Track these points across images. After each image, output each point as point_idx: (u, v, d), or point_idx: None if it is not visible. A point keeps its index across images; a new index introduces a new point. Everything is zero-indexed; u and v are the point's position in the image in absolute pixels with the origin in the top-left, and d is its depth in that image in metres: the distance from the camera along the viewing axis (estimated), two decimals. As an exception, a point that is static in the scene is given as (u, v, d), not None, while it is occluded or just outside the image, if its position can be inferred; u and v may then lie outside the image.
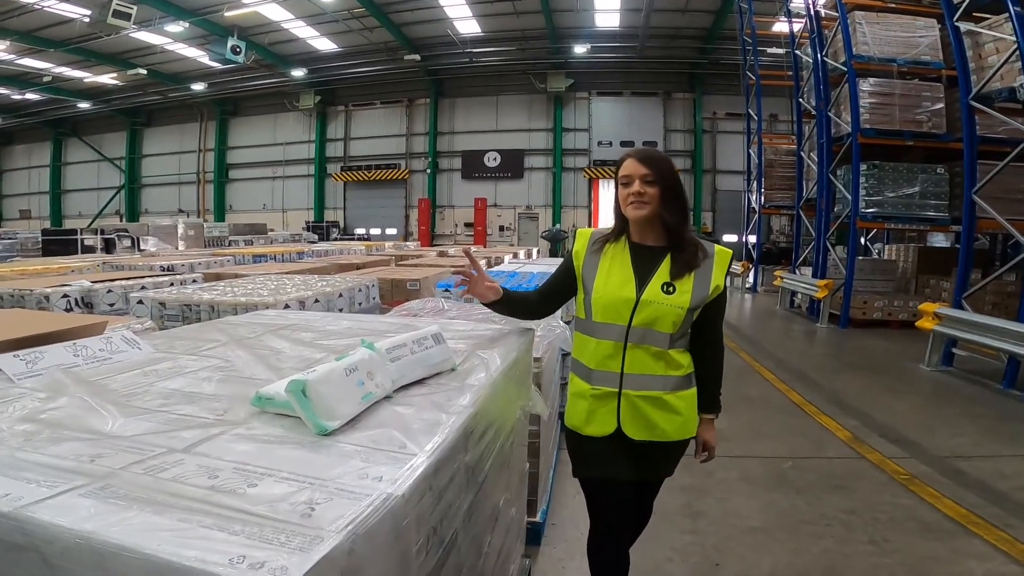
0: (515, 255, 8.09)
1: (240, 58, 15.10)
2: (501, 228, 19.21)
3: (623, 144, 18.33)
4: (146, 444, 0.73)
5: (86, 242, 12.35)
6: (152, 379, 1.06)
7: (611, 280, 1.47)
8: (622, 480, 1.49)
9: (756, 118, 12.63)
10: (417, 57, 17.41)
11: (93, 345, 1.23)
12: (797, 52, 10.38)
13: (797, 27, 10.43)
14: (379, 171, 20.06)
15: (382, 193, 20.23)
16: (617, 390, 1.45)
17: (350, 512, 0.58)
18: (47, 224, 20.57)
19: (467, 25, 16.32)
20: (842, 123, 8.34)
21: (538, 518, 2.35)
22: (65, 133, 23.69)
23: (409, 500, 0.65)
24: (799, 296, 9.65)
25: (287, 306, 2.70)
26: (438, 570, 0.77)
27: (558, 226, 17.63)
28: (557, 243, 15.87)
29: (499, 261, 6.68)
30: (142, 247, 11.99)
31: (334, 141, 20.74)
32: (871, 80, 7.91)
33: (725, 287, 1.48)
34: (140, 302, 3.05)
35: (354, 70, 18.63)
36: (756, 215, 12.84)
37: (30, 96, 19.92)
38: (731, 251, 1.48)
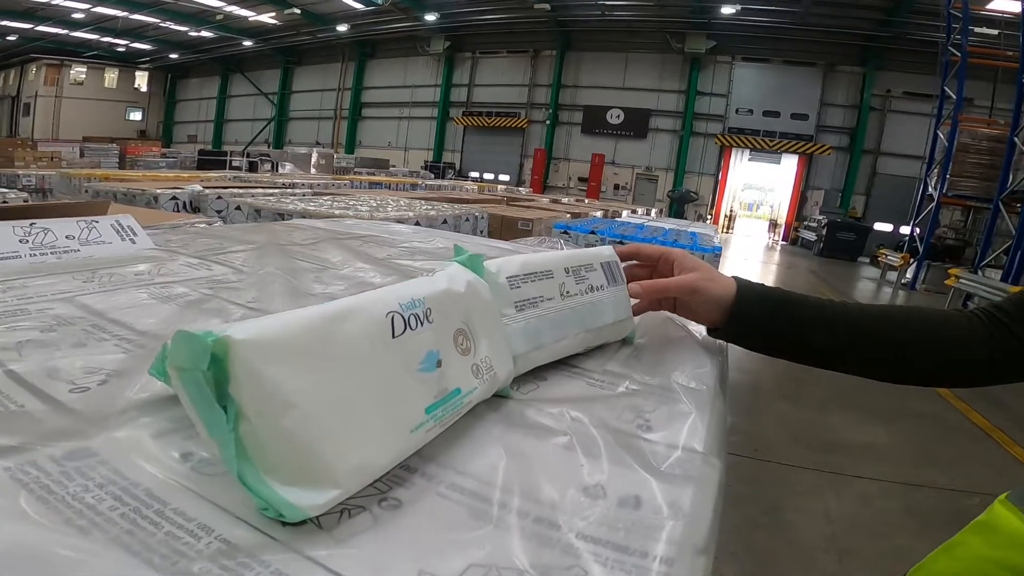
0: (633, 211, 7.28)
1: (380, 0, 15.33)
2: (616, 186, 18.37)
3: (766, 114, 16.73)
4: None
5: (234, 163, 13.93)
6: (88, 287, 0.59)
7: None
8: None
9: (955, 98, 10.94)
10: (547, 7, 16.63)
11: (60, 229, 0.79)
12: None
13: None
14: (499, 118, 20.04)
15: (499, 140, 20.20)
16: None
17: None
18: (209, 148, 23.01)
19: (603, -24, 15.09)
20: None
21: None
22: (231, 69, 26.30)
23: None
24: (975, 301, 8.17)
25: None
26: None
27: (685, 188, 16.36)
28: (683, 205, 14.73)
29: (616, 215, 5.94)
30: (280, 170, 12.93)
31: (458, 87, 21.02)
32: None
33: None
34: (238, 208, 2.82)
35: (484, 17, 18.40)
36: (932, 204, 10.95)
37: (205, 34, 22.00)
38: None
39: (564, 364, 0.47)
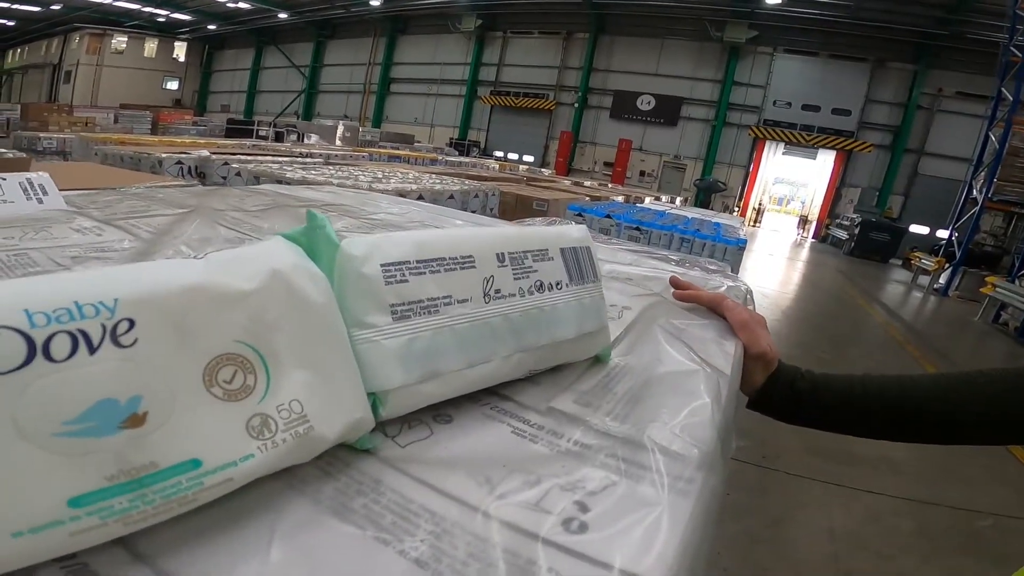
0: (657, 198, 7.03)
1: (414, -26, 15.18)
2: (642, 173, 18.03)
3: (805, 108, 16.12)
4: None
5: (260, 133, 14.26)
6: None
7: None
8: None
9: (1011, 98, 10.38)
10: (583, -13, 16.19)
11: (-42, 182, 0.67)
12: None
13: None
14: (527, 99, 19.74)
15: (526, 120, 19.92)
16: None
17: None
18: (240, 117, 23.34)
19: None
20: None
21: None
22: (265, 41, 26.49)
23: None
24: (1009, 311, 7.79)
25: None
26: None
27: (713, 177, 15.98)
28: (709, 195, 14.40)
29: (639, 200, 5.71)
30: (305, 141, 13.09)
31: (488, 66, 20.75)
32: None
33: None
34: (237, 173, 2.72)
35: (517, -4, 18.12)
36: (975, 208, 10.50)
37: (242, 5, 22.27)
38: None
39: (491, 395, 0.32)
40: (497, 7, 19.04)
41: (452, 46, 21.06)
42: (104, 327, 0.15)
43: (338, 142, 13.90)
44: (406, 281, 0.26)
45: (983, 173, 10.76)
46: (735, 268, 2.67)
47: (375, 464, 0.24)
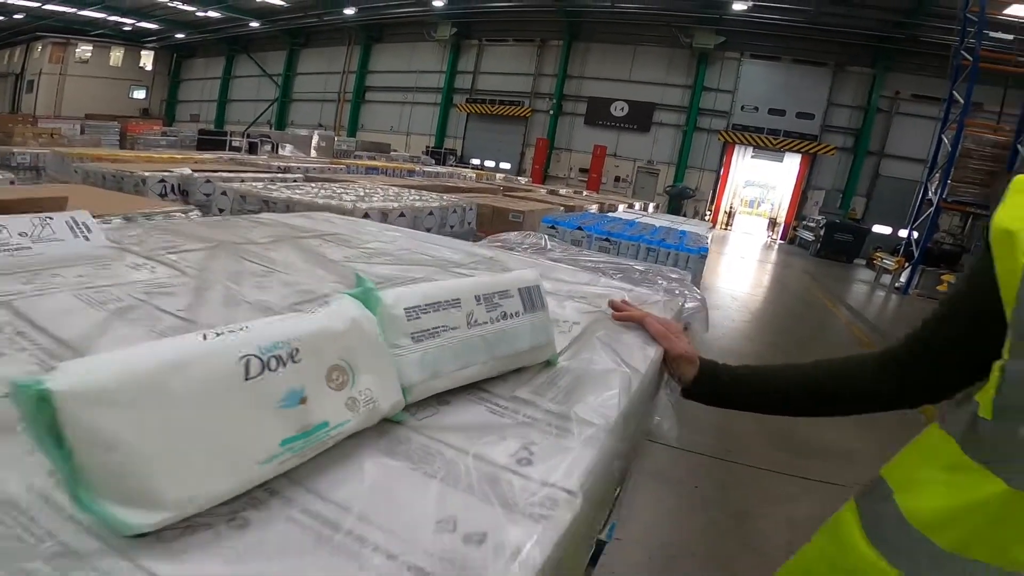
0: (630, 206, 7.26)
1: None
2: (617, 179, 18.35)
3: (771, 112, 16.65)
4: None
5: (234, 144, 13.87)
6: (23, 289, 0.60)
7: None
8: None
9: (962, 102, 10.74)
10: (556, -4, 16.45)
11: (14, 226, 0.80)
12: None
13: None
14: (502, 106, 19.94)
15: (502, 128, 20.12)
16: None
17: None
18: (211, 127, 22.98)
19: (614, -33, 14.95)
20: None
21: (604, 535, 1.79)
22: (237, 50, 26.24)
23: None
24: None
25: (367, 215, 2.29)
26: None
27: (684, 183, 16.32)
28: (680, 201, 14.71)
29: (612, 208, 5.92)
30: (280, 152, 12.92)
31: (463, 73, 20.92)
32: None
33: None
34: (224, 193, 2.82)
35: (492, 4, 18.37)
36: (931, 208, 10.92)
37: (212, 14, 21.89)
38: None
39: (475, 388, 0.49)
40: (472, 15, 19.20)
41: (427, 54, 21.13)
42: (288, 354, 0.31)
43: (313, 152, 13.81)
44: (419, 318, 0.42)
45: (938, 174, 11.06)
46: (697, 274, 2.86)
47: (405, 430, 0.41)
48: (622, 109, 18.27)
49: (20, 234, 0.81)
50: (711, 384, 0.74)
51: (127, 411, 0.25)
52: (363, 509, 0.31)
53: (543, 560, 0.29)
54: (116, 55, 26.76)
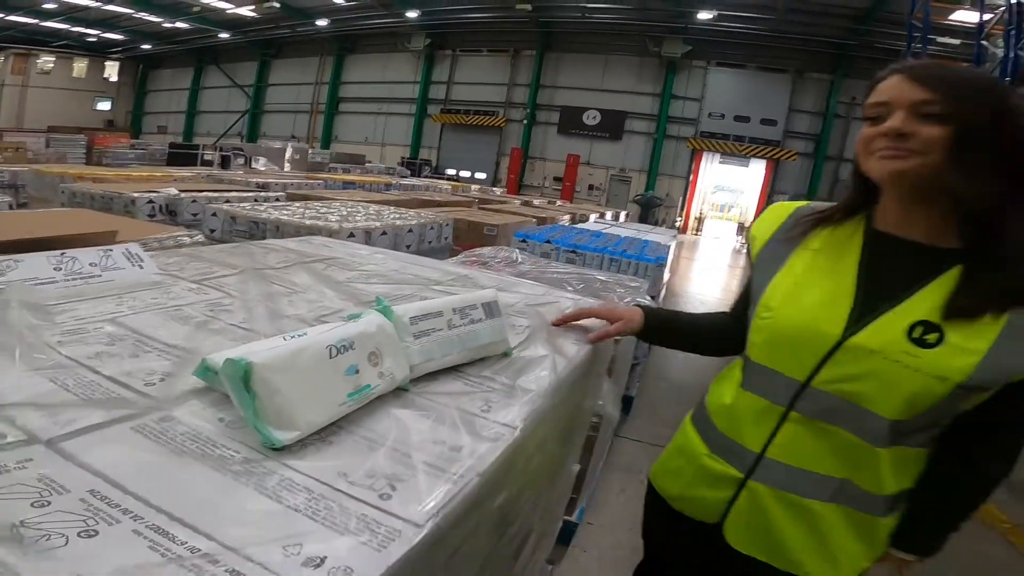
0: (602, 215, 7.57)
1: (361, -5, 15.31)
2: (591, 187, 18.76)
3: (736, 119, 17.23)
4: (9, 424, 0.47)
5: (205, 157, 13.66)
6: (121, 309, 0.82)
7: (801, 291, 0.82)
8: None
9: None
10: (529, 7, 16.91)
11: (84, 258, 1.01)
12: (984, 43, 9.16)
13: (987, 17, 9.24)
14: (477, 116, 20.24)
15: (477, 138, 20.40)
16: (742, 476, 0.87)
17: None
18: (180, 140, 22.65)
19: (585, -23, 15.39)
20: (1025, 120, 7.03)
21: (574, 517, 2.04)
22: (205, 61, 26.01)
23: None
24: None
25: (352, 235, 2.51)
26: None
27: (652, 192, 16.77)
28: (649, 209, 15.11)
29: (584, 218, 6.23)
30: (253, 165, 12.83)
31: (437, 84, 21.17)
32: (1071, 79, 6.56)
33: None
34: (214, 214, 3.00)
35: (466, 16, 18.62)
36: None
37: (179, 25, 21.65)
38: None
39: (454, 370, 0.73)
40: (446, 26, 19.43)
41: (401, 65, 21.31)
42: (348, 345, 0.55)
43: (287, 165, 13.73)
44: (417, 323, 0.67)
45: None
46: (656, 281, 3.15)
47: (411, 394, 0.65)
48: (594, 118, 18.73)
49: (91, 264, 1.02)
50: (651, 331, 1.03)
51: (282, 374, 0.48)
52: (393, 435, 0.55)
53: (495, 457, 0.54)
54: (79, 66, 26.23)
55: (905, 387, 0.72)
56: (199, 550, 0.36)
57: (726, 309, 1.05)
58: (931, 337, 0.72)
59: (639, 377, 3.38)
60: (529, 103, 19.25)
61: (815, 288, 0.81)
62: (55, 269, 0.96)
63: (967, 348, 0.70)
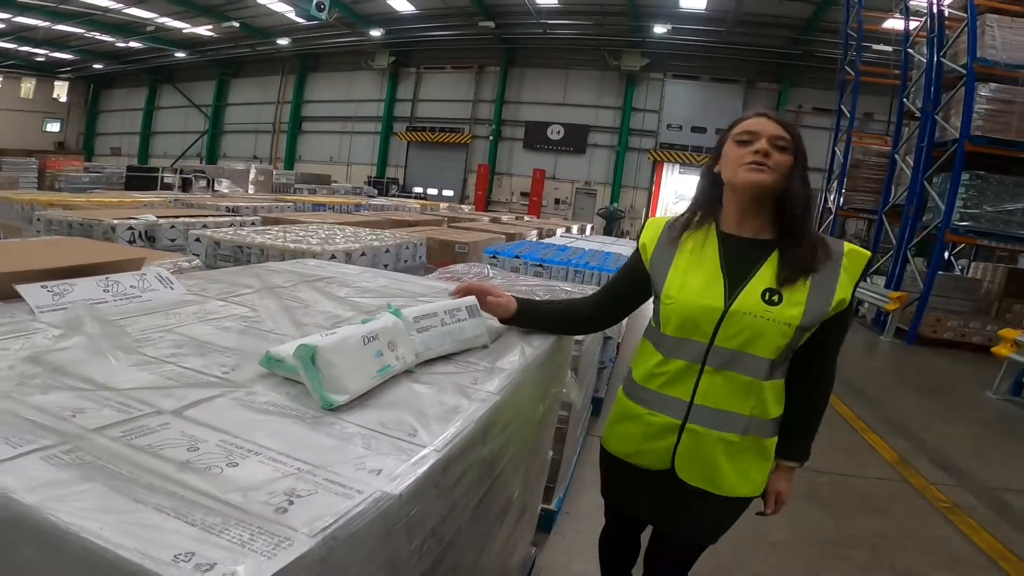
0: (568, 229, 7.89)
1: (323, 15, 15.37)
2: (557, 201, 19.08)
3: (694, 129, 17.80)
4: (137, 401, 0.67)
5: (165, 180, 13.23)
6: (173, 323, 1.02)
7: (689, 282, 1.11)
8: (656, 523, 1.31)
9: (849, 115, 11.74)
10: (491, 24, 17.24)
11: (125, 281, 1.19)
12: (910, 51, 9.50)
13: (913, 25, 9.57)
14: (443, 134, 20.32)
15: (443, 155, 20.45)
16: (680, 422, 1.13)
17: (333, 511, 0.49)
18: (134, 161, 22.06)
19: (545, -5, 15.87)
20: (949, 128, 7.62)
21: (553, 506, 2.27)
22: (161, 80, 25.30)
23: (407, 502, 0.56)
24: (866, 306, 9.22)
25: (333, 256, 2.69)
26: (432, 571, 0.68)
27: (615, 205, 17.22)
28: (612, 222, 15.53)
29: (551, 233, 6.52)
30: (216, 188, 12.59)
31: (403, 101, 21.14)
32: (991, 86, 7.13)
33: (853, 301, 1.12)
34: (197, 240, 3.13)
35: (429, 33, 18.79)
36: (831, 216, 12.08)
37: (133, 44, 21.19)
38: (868, 253, 1.12)
39: (447, 357, 0.96)
40: (410, 43, 19.52)
41: (366, 83, 21.21)
42: (374, 336, 0.76)
43: (251, 187, 13.36)
44: (419, 321, 0.90)
45: (834, 184, 11.87)
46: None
47: (417, 373, 0.87)
48: (558, 132, 19.03)
49: (131, 287, 1.21)
50: (521, 317, 1.22)
51: (336, 354, 0.70)
52: (410, 399, 0.77)
53: (483, 412, 0.77)
54: (27, 86, 25.35)
55: (770, 334, 1.06)
56: (303, 469, 0.57)
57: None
58: (775, 298, 1.06)
59: (608, 380, 3.63)
60: (494, 119, 19.45)
61: (696, 277, 1.12)
62: (104, 291, 1.15)
63: (796, 302, 1.06)
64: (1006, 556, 2.51)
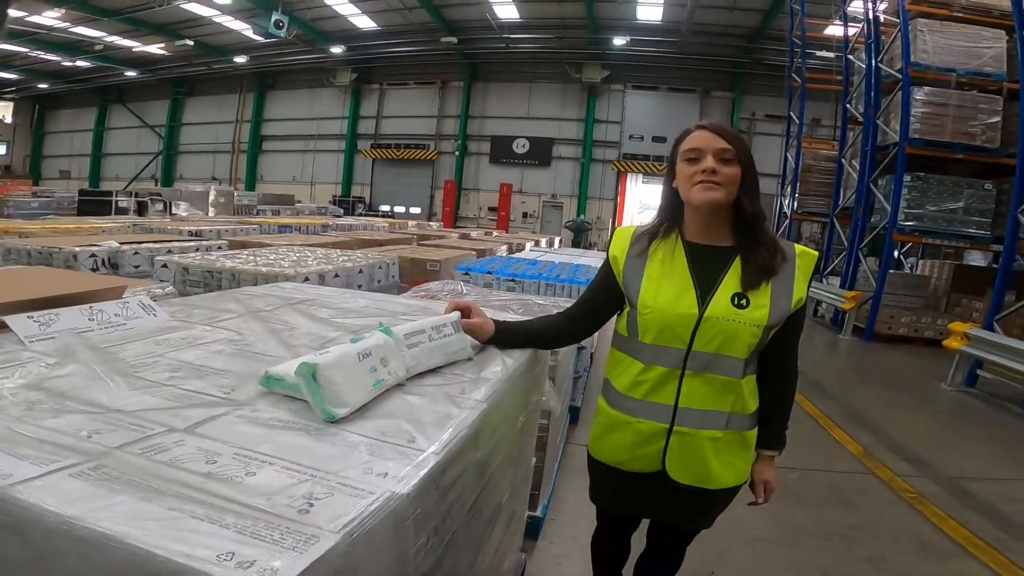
0: (537, 243, 8.02)
1: (282, 33, 15.26)
2: (525, 215, 19.25)
3: (655, 139, 18.20)
4: (147, 421, 0.71)
5: (120, 204, 12.68)
6: (164, 349, 1.04)
7: (663, 291, 1.17)
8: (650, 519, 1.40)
9: (797, 121, 12.29)
10: (454, 40, 17.41)
11: (109, 309, 1.21)
12: (850, 57, 9.99)
13: (852, 32, 10.06)
14: (408, 150, 20.25)
15: (409, 172, 20.41)
16: (668, 426, 1.20)
17: (350, 511, 0.54)
18: (85, 185, 21.20)
19: (506, 10, 16.18)
20: (890, 131, 8.09)
21: (539, 512, 2.33)
22: (110, 100, 24.50)
23: (414, 500, 0.62)
24: (824, 306, 9.56)
25: (307, 279, 2.70)
26: (435, 569, 0.73)
27: (582, 217, 17.48)
28: (580, 234, 15.75)
29: (520, 247, 6.61)
30: (174, 211, 12.22)
31: (366, 119, 21.02)
32: (926, 89, 7.60)
33: (806, 299, 1.20)
34: (164, 266, 3.09)
35: (391, 50, 18.79)
36: (787, 221, 12.57)
37: (80, 63, 20.48)
38: (816, 253, 1.20)
39: (434, 371, 1.02)
40: (372, 60, 19.46)
41: (328, 100, 20.97)
42: (368, 353, 0.82)
43: (212, 210, 13.01)
44: (409, 338, 0.95)
45: (788, 189, 12.39)
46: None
47: (408, 387, 0.93)
48: (523, 146, 19.22)
49: (115, 315, 1.22)
50: (500, 335, 1.25)
51: (335, 370, 0.75)
52: (405, 409, 0.83)
53: (473, 419, 0.83)
54: (-32, 107, 24.29)
55: (741, 336, 1.14)
56: (316, 475, 0.62)
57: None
58: (743, 302, 1.14)
59: (583, 389, 3.72)
60: (460, 134, 19.52)
61: (669, 286, 1.18)
62: (89, 320, 1.16)
63: (761, 304, 1.14)
64: (974, 542, 2.62)
